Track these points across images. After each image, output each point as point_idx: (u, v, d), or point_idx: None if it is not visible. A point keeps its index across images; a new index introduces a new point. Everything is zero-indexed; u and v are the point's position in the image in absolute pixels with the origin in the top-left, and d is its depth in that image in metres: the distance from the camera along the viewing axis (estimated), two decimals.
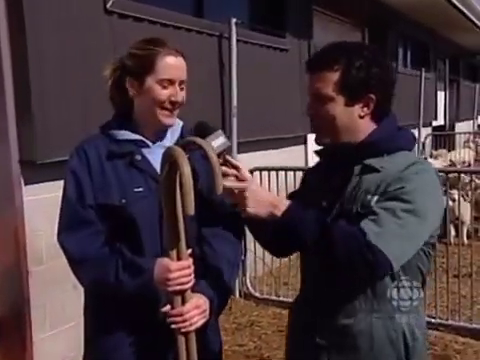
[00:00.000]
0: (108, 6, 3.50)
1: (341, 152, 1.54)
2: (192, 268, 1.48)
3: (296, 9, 5.74)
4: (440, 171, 3.62)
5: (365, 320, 1.49)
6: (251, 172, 4.40)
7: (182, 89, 1.63)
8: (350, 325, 1.50)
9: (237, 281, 4.50)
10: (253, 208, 1.46)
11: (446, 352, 3.51)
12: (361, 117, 1.51)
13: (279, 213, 1.44)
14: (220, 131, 1.56)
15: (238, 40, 4.57)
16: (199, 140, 1.44)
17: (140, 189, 1.58)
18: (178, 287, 1.46)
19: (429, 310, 3.94)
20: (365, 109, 1.50)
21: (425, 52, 11.38)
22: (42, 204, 3.03)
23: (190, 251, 1.49)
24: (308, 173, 1.78)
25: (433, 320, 3.86)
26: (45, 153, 3.05)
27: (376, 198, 1.43)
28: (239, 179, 1.53)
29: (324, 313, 1.53)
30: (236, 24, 4.50)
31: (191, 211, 1.32)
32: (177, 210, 1.42)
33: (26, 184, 3.07)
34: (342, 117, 1.49)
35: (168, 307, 1.49)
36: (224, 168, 1.52)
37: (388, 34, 8.63)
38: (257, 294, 4.52)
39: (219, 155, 1.52)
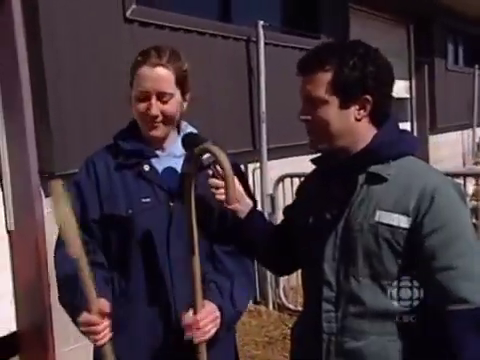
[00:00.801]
0: (128, 14, 3.48)
1: (342, 160, 1.44)
2: (101, 326, 1.43)
3: (330, 7, 5.56)
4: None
5: (377, 343, 1.38)
6: (281, 179, 4.28)
7: (164, 102, 1.55)
8: (360, 348, 1.40)
9: (270, 292, 4.36)
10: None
11: None
12: (358, 120, 1.40)
13: None
14: (210, 142, 1.52)
15: (267, 43, 4.47)
16: (214, 148, 1.41)
17: (147, 199, 1.56)
18: (94, 342, 1.45)
19: None
20: (362, 111, 1.39)
21: (479, 47, 10.83)
22: None
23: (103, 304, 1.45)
24: (304, 183, 1.68)
25: None
26: (64, 164, 3.04)
27: (404, 220, 1.33)
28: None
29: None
30: (263, 27, 4.39)
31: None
32: None
33: (47, 196, 3.07)
34: (337, 121, 1.39)
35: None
36: (214, 180, 1.51)
37: (435, 29, 8.25)
38: (291, 306, 4.32)
39: (209, 166, 1.50)
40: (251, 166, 4.53)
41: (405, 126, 8.42)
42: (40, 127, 3.03)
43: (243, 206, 1.57)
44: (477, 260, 1.31)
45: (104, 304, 1.44)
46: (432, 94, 8.55)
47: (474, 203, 5.22)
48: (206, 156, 1.49)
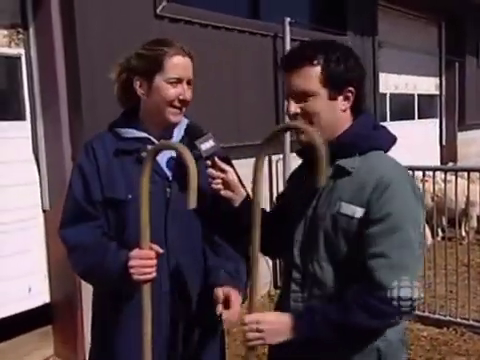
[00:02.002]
0: (158, 11, 3.68)
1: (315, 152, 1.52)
2: (153, 261, 1.50)
3: (358, 5, 5.64)
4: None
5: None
6: None
7: (190, 88, 1.66)
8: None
9: (278, 274, 4.53)
10: (273, 339, 1.41)
11: None
12: (343, 111, 1.49)
13: (295, 333, 1.40)
14: (210, 134, 1.62)
15: (293, 39, 4.59)
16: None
17: None
18: (140, 277, 1.48)
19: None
20: (346, 102, 1.48)
21: None
22: None
23: (156, 247, 1.51)
24: (293, 173, 1.75)
25: None
26: None
27: (359, 211, 1.41)
28: (225, 182, 1.57)
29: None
30: (290, 23, 4.52)
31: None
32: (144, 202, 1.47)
33: None
34: (327, 112, 1.46)
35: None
36: (212, 171, 1.58)
37: (467, 27, 8.18)
38: None
39: (208, 158, 1.58)
40: (275, 157, 4.68)
41: (434, 122, 8.42)
42: (73, 116, 3.27)
43: (238, 195, 1.62)
44: (410, 253, 1.38)
45: (156, 245, 1.51)
46: (462, 91, 8.51)
47: None
48: (205, 147, 1.57)
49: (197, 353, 1.68)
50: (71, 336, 3.36)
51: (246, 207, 1.61)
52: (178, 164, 1.64)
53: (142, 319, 1.47)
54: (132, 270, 1.49)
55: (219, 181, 1.57)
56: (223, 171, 1.58)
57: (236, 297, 1.58)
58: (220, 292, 1.57)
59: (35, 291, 3.34)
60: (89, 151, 1.66)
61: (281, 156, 4.63)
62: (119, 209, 1.62)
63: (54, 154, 3.32)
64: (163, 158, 1.63)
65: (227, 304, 1.56)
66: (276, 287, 4.63)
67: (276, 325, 1.40)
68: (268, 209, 1.72)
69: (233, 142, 3.90)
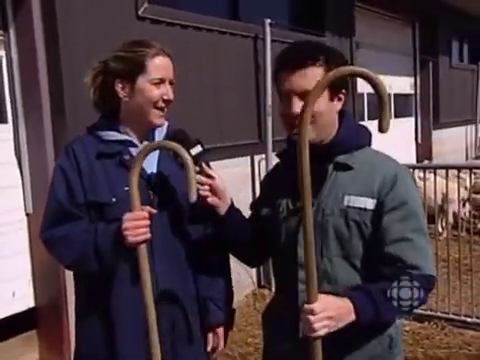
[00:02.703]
0: (140, 13, 3.67)
1: (315, 152, 1.52)
2: (147, 221, 1.49)
3: (336, 6, 5.72)
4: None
5: None
6: None
7: (171, 88, 1.66)
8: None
9: (272, 277, 4.55)
10: (338, 325, 1.34)
11: None
12: (337, 112, 1.54)
13: (354, 315, 1.36)
14: (198, 139, 1.62)
15: (274, 40, 4.63)
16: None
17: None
18: (136, 238, 1.47)
19: (466, 309, 3.86)
20: (339, 104, 1.53)
21: None
22: None
23: (148, 208, 1.51)
24: (267, 179, 1.77)
25: (470, 319, 3.78)
26: None
27: (371, 202, 1.47)
28: (213, 189, 1.57)
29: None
30: (270, 25, 4.56)
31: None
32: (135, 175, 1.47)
33: None
34: (327, 112, 1.49)
35: None
36: (200, 177, 1.56)
37: (440, 28, 8.37)
38: None
39: (195, 163, 1.55)
40: (257, 157, 4.72)
41: (410, 121, 8.58)
42: (56, 118, 3.24)
43: (224, 203, 1.61)
44: (426, 239, 1.47)
45: (149, 208, 1.51)
46: (436, 90, 8.70)
47: (473, 195, 5.38)
48: (194, 153, 1.56)
49: (183, 355, 1.69)
50: (57, 340, 3.32)
51: (231, 215, 1.63)
52: (159, 167, 1.66)
53: (141, 287, 1.46)
54: (126, 232, 1.47)
55: (207, 188, 1.57)
56: (210, 177, 1.58)
57: (222, 334, 1.77)
58: (210, 339, 1.76)
59: (19, 295, 3.30)
60: (70, 153, 1.64)
61: (264, 156, 4.66)
62: (103, 212, 1.60)
63: (37, 157, 3.28)
64: (146, 162, 1.58)
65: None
66: (260, 286, 4.66)
67: (342, 309, 1.35)
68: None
69: (215, 143, 3.92)
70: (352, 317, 1.35)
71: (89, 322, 1.68)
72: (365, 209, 1.47)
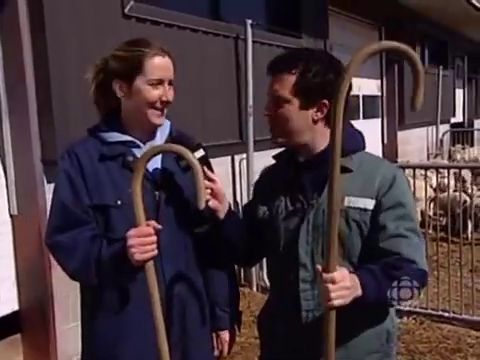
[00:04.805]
0: (126, 11, 3.64)
1: (311, 155, 1.58)
2: (153, 237, 1.46)
3: (312, 10, 5.82)
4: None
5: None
6: None
7: (171, 88, 1.63)
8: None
9: (254, 275, 4.61)
10: (343, 300, 1.33)
11: (459, 346, 3.55)
12: (314, 121, 1.55)
13: (360, 290, 1.38)
14: (200, 143, 1.62)
15: (254, 41, 4.68)
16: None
17: None
18: (142, 255, 1.43)
19: (443, 304, 4.00)
20: (319, 114, 1.54)
21: (443, 50, 11.32)
22: None
23: (153, 223, 1.48)
24: (261, 181, 1.79)
25: (447, 314, 3.92)
26: None
27: (370, 203, 1.52)
28: (214, 192, 1.57)
29: None
30: (252, 25, 4.60)
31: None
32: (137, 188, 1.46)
33: (49, 182, 3.20)
34: (296, 119, 1.53)
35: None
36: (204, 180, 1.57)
37: (404, 33, 8.62)
38: None
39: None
40: (238, 157, 4.75)
41: (376, 122, 8.81)
42: (43, 116, 3.16)
43: (223, 206, 1.61)
44: (420, 240, 1.53)
45: (154, 223, 1.47)
46: (401, 92, 8.96)
47: (440, 195, 5.57)
48: (197, 156, 1.55)
49: (191, 355, 1.70)
50: (43, 344, 3.25)
51: (230, 218, 1.64)
52: (164, 169, 1.65)
53: (151, 301, 1.44)
54: (132, 250, 1.43)
55: (208, 191, 1.56)
56: (211, 180, 1.59)
57: (227, 339, 1.81)
58: (216, 343, 1.80)
59: (3, 299, 3.20)
60: (72, 156, 1.60)
61: (244, 155, 4.69)
62: (108, 215, 1.58)
63: (22, 157, 3.19)
64: (150, 162, 1.56)
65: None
66: (241, 285, 4.68)
67: (353, 281, 1.36)
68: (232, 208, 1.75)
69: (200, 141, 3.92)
70: (359, 292, 1.36)
71: (97, 323, 1.66)
72: (365, 209, 1.52)
